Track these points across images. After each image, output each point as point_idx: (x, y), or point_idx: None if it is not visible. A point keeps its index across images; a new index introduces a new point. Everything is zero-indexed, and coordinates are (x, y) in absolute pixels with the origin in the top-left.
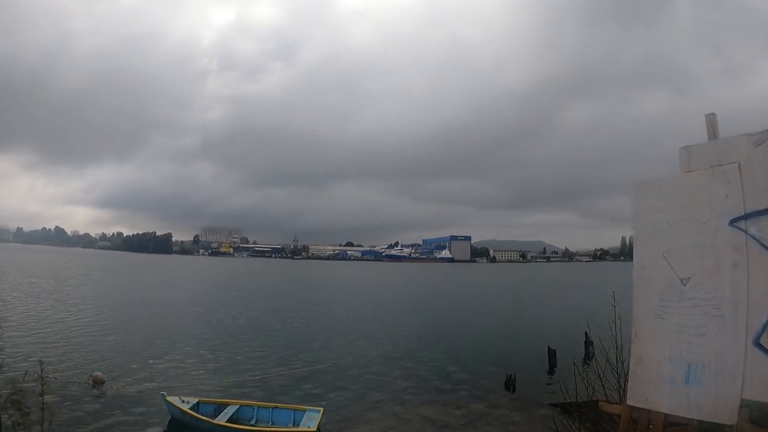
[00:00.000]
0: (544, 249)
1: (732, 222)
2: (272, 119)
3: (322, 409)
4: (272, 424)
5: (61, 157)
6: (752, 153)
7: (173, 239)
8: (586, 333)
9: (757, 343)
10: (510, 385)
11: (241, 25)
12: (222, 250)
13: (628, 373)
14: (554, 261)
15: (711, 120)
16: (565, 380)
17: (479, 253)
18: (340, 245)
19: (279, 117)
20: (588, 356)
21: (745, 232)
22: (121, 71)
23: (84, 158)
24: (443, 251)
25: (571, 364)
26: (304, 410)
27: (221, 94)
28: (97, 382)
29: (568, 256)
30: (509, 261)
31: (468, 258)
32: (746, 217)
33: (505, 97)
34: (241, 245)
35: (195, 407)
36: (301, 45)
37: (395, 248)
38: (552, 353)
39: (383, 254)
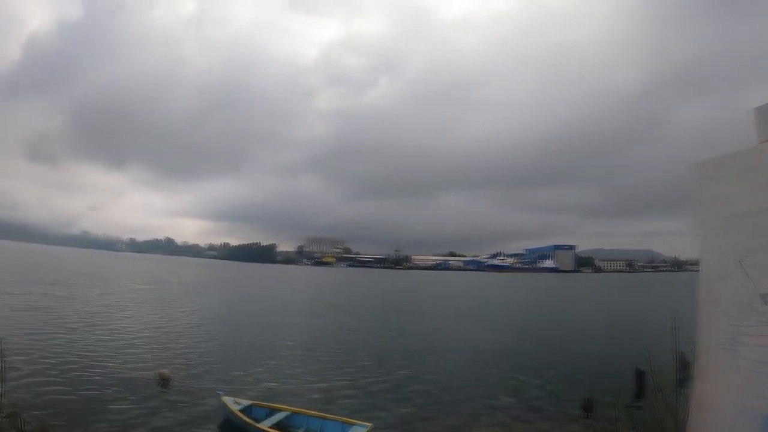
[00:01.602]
0: (652, 258)
1: None
2: (377, 132)
3: (369, 425)
4: None
5: (173, 173)
6: None
7: (278, 249)
8: (637, 368)
9: None
10: (588, 408)
11: (346, 42)
12: (325, 260)
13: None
14: (662, 270)
15: None
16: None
17: (584, 262)
18: (442, 255)
19: (384, 129)
20: (640, 392)
21: None
22: (230, 91)
23: (194, 174)
24: (546, 261)
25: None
26: (352, 424)
27: (327, 109)
28: (164, 379)
29: (677, 265)
30: (615, 271)
31: (572, 268)
32: None
33: (610, 100)
34: (343, 255)
35: (246, 409)
36: (405, 58)
37: (497, 258)
38: (640, 375)
39: (485, 264)
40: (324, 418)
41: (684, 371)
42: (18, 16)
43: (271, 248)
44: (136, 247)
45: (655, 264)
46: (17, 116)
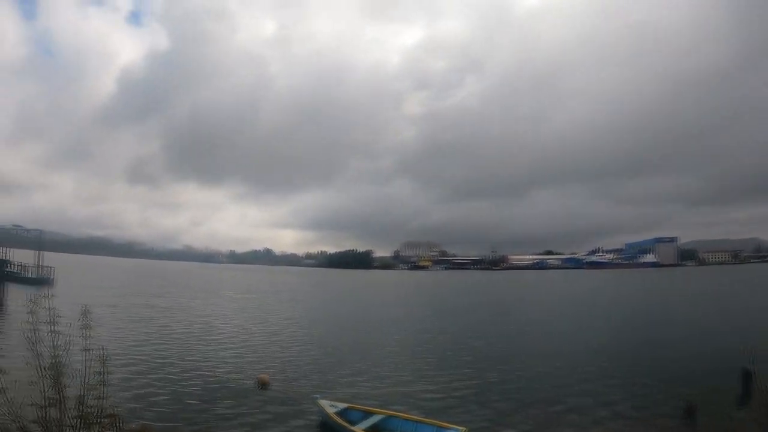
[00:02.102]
0: (759, 246)
1: None
2: (466, 132)
3: (464, 429)
4: None
5: (268, 186)
6: None
7: (374, 255)
8: (744, 368)
9: None
10: (690, 413)
11: (428, 45)
12: (421, 264)
13: None
14: None
15: None
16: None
17: (686, 255)
18: (539, 254)
19: (473, 129)
20: (747, 395)
21: None
22: (318, 104)
23: (289, 186)
24: (647, 255)
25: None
26: (447, 428)
27: (415, 114)
28: (263, 384)
29: None
30: (720, 263)
31: (674, 261)
32: None
33: (705, 78)
34: (439, 258)
35: (342, 412)
36: (489, 54)
37: (596, 254)
38: (746, 376)
39: (584, 261)
40: (418, 422)
41: (747, 381)
42: (109, 53)
43: (367, 254)
44: (236, 258)
45: (763, 254)
46: (117, 144)
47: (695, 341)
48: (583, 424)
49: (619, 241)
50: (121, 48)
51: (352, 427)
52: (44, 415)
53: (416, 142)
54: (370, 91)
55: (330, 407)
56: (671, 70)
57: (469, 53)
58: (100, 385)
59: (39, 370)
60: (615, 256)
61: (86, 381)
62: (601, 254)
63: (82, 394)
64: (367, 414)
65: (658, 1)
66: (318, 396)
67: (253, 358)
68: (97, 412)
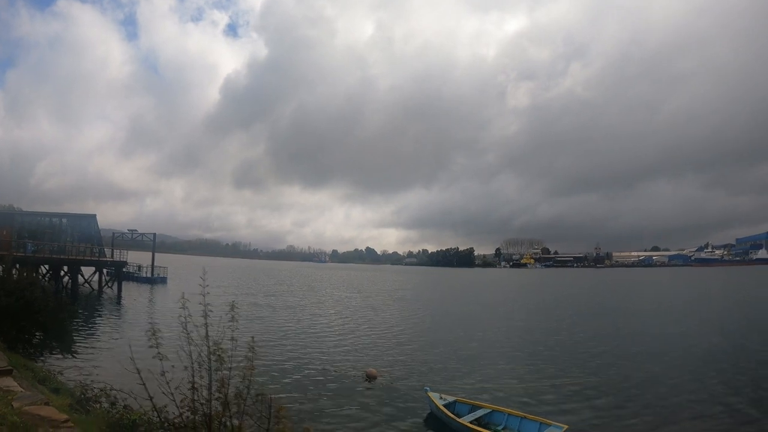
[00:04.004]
0: None
1: None
2: (573, 123)
3: (566, 427)
4: None
5: (374, 187)
6: None
7: (475, 253)
8: None
9: None
10: None
11: (530, 34)
12: (523, 261)
13: None
14: None
15: None
16: None
17: None
18: (645, 251)
19: (580, 119)
20: None
21: None
22: (422, 102)
23: (393, 185)
24: (760, 251)
25: None
26: (549, 425)
27: (519, 106)
28: (370, 377)
29: None
30: None
31: None
32: None
33: None
34: (541, 256)
35: (450, 405)
36: (595, 39)
37: (705, 250)
38: None
39: (691, 258)
40: (523, 417)
41: None
42: (211, 64)
43: (468, 252)
44: (338, 257)
45: None
46: (224, 150)
47: None
48: (684, 429)
49: (732, 236)
50: (222, 59)
51: (459, 419)
52: (193, 395)
53: (521, 136)
54: (472, 85)
55: (439, 399)
56: None
57: (573, 39)
58: (249, 368)
59: (190, 356)
60: (725, 252)
61: (233, 365)
62: (710, 250)
63: (229, 377)
64: (474, 407)
65: None
66: (428, 388)
67: (360, 352)
68: (244, 392)
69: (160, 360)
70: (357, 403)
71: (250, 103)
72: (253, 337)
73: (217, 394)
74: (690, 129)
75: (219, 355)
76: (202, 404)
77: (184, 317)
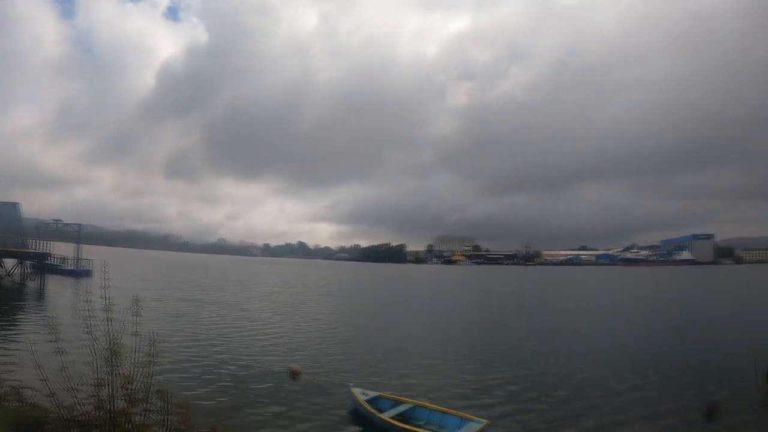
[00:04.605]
0: None
1: None
2: (510, 124)
3: (486, 422)
4: (440, 427)
5: (309, 181)
6: None
7: (407, 249)
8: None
9: None
10: (711, 413)
11: (473, 35)
12: (454, 258)
13: None
14: None
15: None
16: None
17: (724, 253)
18: (573, 250)
19: (517, 121)
20: None
21: None
22: (360, 97)
23: (328, 180)
24: (683, 253)
25: None
26: (470, 420)
27: (458, 105)
28: (294, 374)
29: None
30: (759, 261)
31: (711, 259)
32: None
33: (761, 71)
34: (472, 253)
35: (373, 400)
36: (535, 44)
37: (631, 251)
38: None
39: (618, 258)
40: (444, 413)
41: None
42: (148, 48)
43: (400, 249)
44: (269, 251)
45: None
46: (157, 139)
47: (724, 343)
48: (604, 422)
49: (657, 238)
50: (160, 43)
51: (381, 415)
52: (97, 392)
53: (458, 135)
54: (412, 82)
55: (361, 395)
56: (729, 58)
57: (515, 43)
58: (149, 365)
59: (93, 351)
60: (650, 253)
61: (136, 361)
62: (635, 251)
63: (132, 373)
64: (397, 403)
65: None
66: (351, 384)
67: (286, 348)
68: (146, 388)
69: (60, 355)
70: (279, 400)
71: (186, 90)
72: (154, 332)
73: (121, 391)
74: (621, 136)
75: (116, 351)
76: (106, 401)
77: (88, 311)
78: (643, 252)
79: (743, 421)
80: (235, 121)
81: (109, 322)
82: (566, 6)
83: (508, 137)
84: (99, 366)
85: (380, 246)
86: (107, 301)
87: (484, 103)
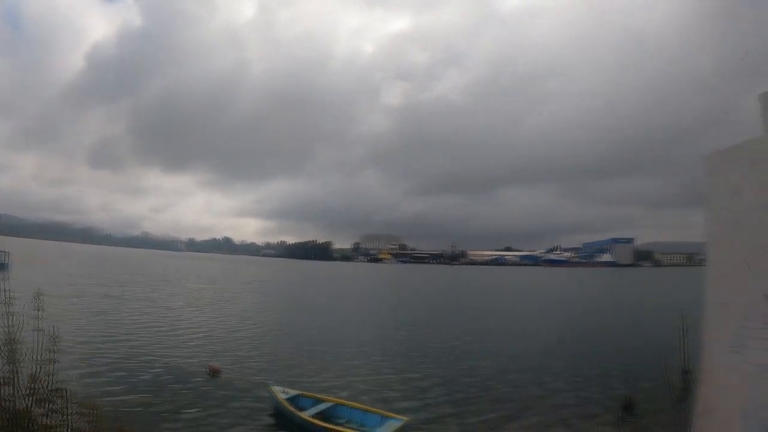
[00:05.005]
0: None
1: None
2: (442, 127)
3: (406, 419)
4: (361, 426)
5: (237, 175)
6: None
7: (334, 247)
8: (682, 367)
9: None
10: (628, 408)
11: (413, 36)
12: (380, 257)
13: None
14: None
15: None
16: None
17: (642, 256)
18: (499, 250)
19: (449, 124)
20: (685, 392)
21: None
22: (295, 91)
23: (257, 174)
24: (604, 255)
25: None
26: (390, 418)
27: (392, 105)
28: (214, 372)
29: None
30: (675, 264)
31: (630, 262)
32: None
33: (687, 86)
34: (399, 252)
35: (293, 399)
36: (472, 50)
37: (554, 252)
38: (685, 374)
39: (541, 259)
40: (365, 411)
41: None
42: (81, 28)
43: (327, 246)
44: (194, 246)
45: None
46: (82, 124)
47: (641, 340)
48: (524, 419)
49: (579, 240)
50: (92, 23)
51: (301, 414)
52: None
53: (390, 134)
54: (348, 79)
55: (281, 393)
56: (657, 75)
57: (452, 47)
58: (51, 362)
59: None
60: (572, 255)
61: (38, 358)
62: (558, 252)
63: (35, 371)
64: (317, 401)
65: (649, 10)
66: (271, 383)
67: (208, 347)
68: (48, 387)
69: None
70: (197, 399)
71: (116, 74)
72: (54, 327)
73: (23, 390)
74: (549, 143)
75: (11, 348)
76: (7, 400)
77: None
78: (566, 254)
79: (657, 416)
80: (166, 109)
81: (10, 317)
82: (506, 15)
83: (440, 139)
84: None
85: (307, 243)
86: (6, 293)
87: (418, 104)
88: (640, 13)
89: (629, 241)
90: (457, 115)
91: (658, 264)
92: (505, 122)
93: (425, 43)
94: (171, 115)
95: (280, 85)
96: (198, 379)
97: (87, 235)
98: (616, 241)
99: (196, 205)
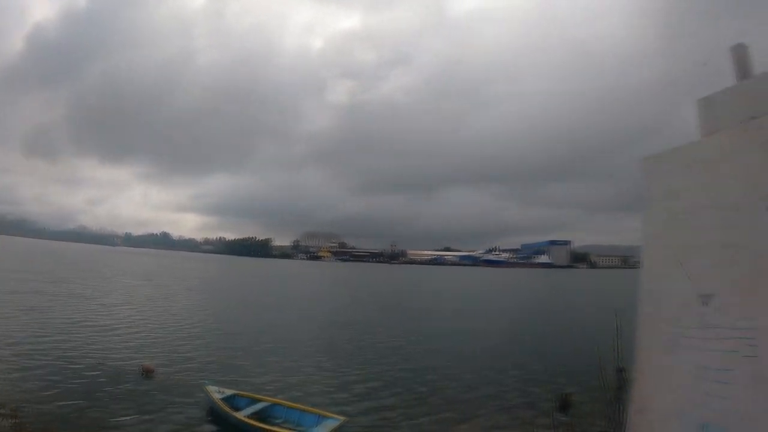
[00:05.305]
0: None
1: None
2: (387, 126)
3: (343, 419)
4: (298, 425)
5: (177, 168)
6: None
7: (274, 244)
8: (617, 365)
9: None
10: (564, 407)
11: (362, 34)
12: (320, 254)
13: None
14: None
15: (739, 54)
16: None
17: (579, 258)
18: (438, 250)
19: (394, 124)
20: (620, 390)
21: None
22: (240, 85)
23: (198, 168)
24: (541, 256)
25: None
26: (327, 417)
27: (337, 103)
28: (147, 372)
29: None
30: (610, 266)
31: (567, 263)
32: None
33: (627, 96)
34: (339, 250)
35: (229, 399)
36: (421, 52)
37: (493, 253)
38: (620, 371)
39: (480, 259)
40: (302, 410)
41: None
42: (22, 7)
43: (266, 243)
44: (131, 241)
45: None
46: (18, 109)
47: (578, 339)
48: (461, 416)
49: (518, 242)
50: (33, 3)
51: (236, 414)
52: None
53: (334, 131)
54: (294, 75)
55: (217, 393)
56: (600, 85)
57: (401, 48)
58: None
59: None
60: (510, 256)
61: None
62: (497, 253)
63: None
64: (254, 401)
65: (596, 23)
66: (207, 382)
67: (142, 346)
68: None
69: None
70: (130, 400)
71: (57, 58)
72: None
73: None
74: (492, 146)
75: None
76: None
77: None
78: (504, 254)
79: (592, 416)
80: (106, 97)
81: None
82: (456, 18)
83: (383, 138)
84: None
85: (246, 240)
86: None
87: (364, 103)
88: (586, 25)
89: (566, 243)
90: (402, 115)
91: (593, 266)
92: (449, 124)
93: (374, 42)
94: (111, 104)
95: (225, 77)
96: (131, 379)
97: (19, 228)
98: (553, 243)
99: (133, 198)
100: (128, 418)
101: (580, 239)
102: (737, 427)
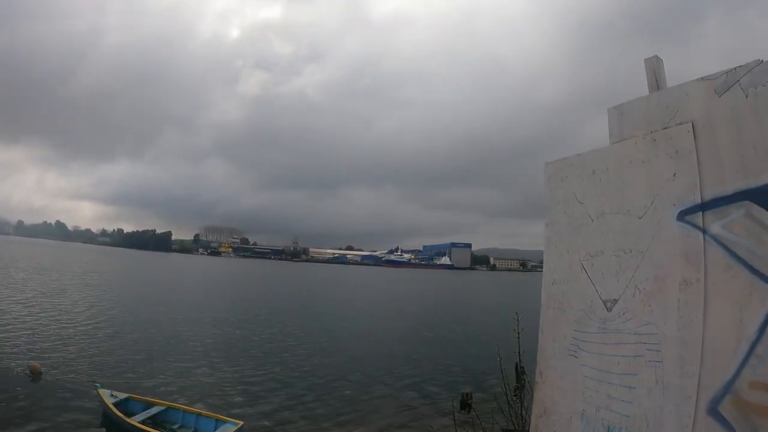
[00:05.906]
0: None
1: (683, 215)
2: (296, 121)
3: (241, 423)
4: (195, 431)
5: (75, 153)
6: (713, 106)
7: (174, 237)
8: (517, 364)
9: (714, 412)
10: (465, 404)
11: (279, 25)
12: (221, 250)
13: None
14: None
15: (653, 66)
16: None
17: (479, 260)
18: (341, 249)
19: (302, 120)
20: (520, 389)
21: (703, 230)
22: (148, 69)
23: (97, 154)
24: (443, 258)
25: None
26: (225, 422)
27: (247, 94)
28: (35, 372)
29: None
30: (509, 269)
31: (468, 265)
32: (704, 207)
33: (532, 110)
34: (241, 246)
35: (122, 402)
36: (336, 50)
37: (395, 253)
38: (521, 371)
39: (382, 259)
40: (199, 414)
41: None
42: None
43: (166, 236)
44: (24, 230)
45: None
46: None
47: (480, 339)
48: (363, 416)
49: (420, 243)
50: None
51: (130, 419)
52: None
53: (241, 123)
54: (206, 62)
55: (110, 397)
56: (507, 97)
57: (318, 43)
58: None
59: None
60: (412, 257)
61: None
62: (399, 254)
63: None
64: (148, 405)
65: (512, 39)
66: (99, 385)
67: (31, 345)
68: None
69: None
70: (15, 403)
71: None
72: None
73: None
74: (397, 148)
75: None
76: None
77: None
78: (407, 255)
79: (493, 411)
80: (4, 69)
81: None
82: (375, 19)
83: (290, 133)
84: None
85: (145, 232)
86: None
87: (275, 97)
88: (503, 39)
89: (467, 246)
90: (312, 111)
91: (493, 268)
92: (356, 122)
93: (292, 35)
94: (7, 78)
95: (133, 59)
96: (17, 381)
97: None
98: (454, 245)
99: (26, 183)
100: (12, 422)
101: (481, 242)
102: (641, 430)
